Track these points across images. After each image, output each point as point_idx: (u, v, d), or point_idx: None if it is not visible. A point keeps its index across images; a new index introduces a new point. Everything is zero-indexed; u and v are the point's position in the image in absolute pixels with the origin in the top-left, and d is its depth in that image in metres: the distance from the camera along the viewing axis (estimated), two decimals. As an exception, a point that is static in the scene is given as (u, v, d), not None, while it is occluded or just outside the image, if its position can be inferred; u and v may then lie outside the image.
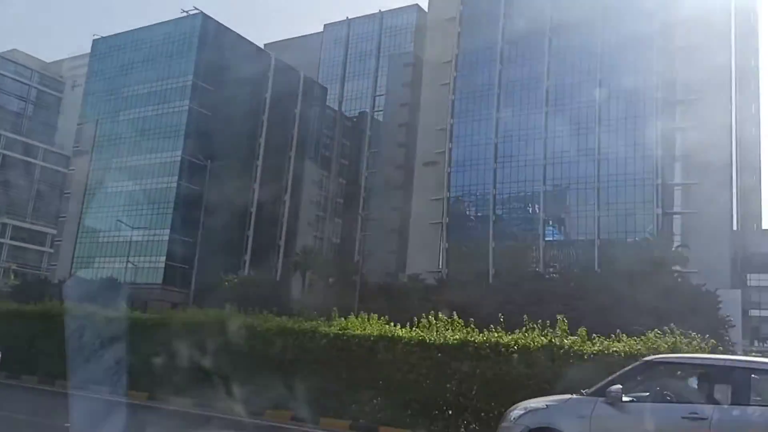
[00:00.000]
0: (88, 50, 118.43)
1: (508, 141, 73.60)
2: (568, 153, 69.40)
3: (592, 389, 7.54)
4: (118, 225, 75.11)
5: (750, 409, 6.83)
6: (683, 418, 6.85)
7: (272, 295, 57.88)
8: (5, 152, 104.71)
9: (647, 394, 7.58)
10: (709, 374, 7.35)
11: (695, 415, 6.80)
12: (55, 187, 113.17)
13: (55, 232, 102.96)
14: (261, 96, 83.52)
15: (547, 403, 7.77)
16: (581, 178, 68.00)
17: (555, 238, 69.27)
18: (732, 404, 6.82)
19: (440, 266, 76.47)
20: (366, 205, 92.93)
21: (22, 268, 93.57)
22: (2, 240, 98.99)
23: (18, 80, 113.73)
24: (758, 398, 7.07)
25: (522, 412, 7.75)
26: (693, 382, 7.82)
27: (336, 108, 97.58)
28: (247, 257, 79.52)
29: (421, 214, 79.89)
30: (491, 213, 73.35)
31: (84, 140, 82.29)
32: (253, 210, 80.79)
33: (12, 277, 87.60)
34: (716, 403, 6.91)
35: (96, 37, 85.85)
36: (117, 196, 76.53)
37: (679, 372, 8.05)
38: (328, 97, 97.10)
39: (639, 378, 7.71)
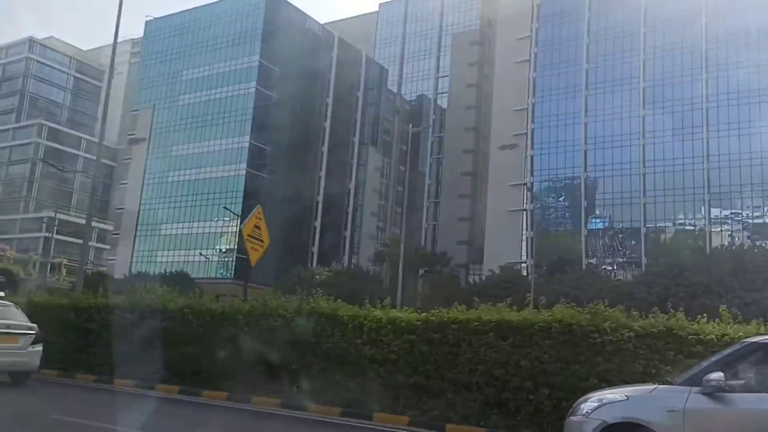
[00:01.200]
0: (127, 37, 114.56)
1: (599, 120, 68.32)
2: (669, 131, 64.13)
3: (683, 377, 6.49)
4: (181, 216, 70.91)
5: None
6: None
7: (374, 289, 53.27)
8: (47, 143, 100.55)
9: (743, 382, 6.22)
10: None
11: None
12: (99, 179, 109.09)
13: (104, 226, 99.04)
14: (325, 77, 78.68)
15: (628, 394, 6.63)
16: (687, 158, 62.68)
17: (659, 226, 63.99)
18: None
19: (523, 257, 71.60)
20: (431, 194, 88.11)
21: (73, 263, 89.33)
22: (47, 234, 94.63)
23: (56, 68, 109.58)
24: None
25: (596, 404, 6.56)
26: None
27: (395, 90, 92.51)
28: (315, 249, 74.91)
29: (499, 201, 74.89)
30: (582, 198, 68.23)
31: (140, 127, 77.68)
32: (320, 199, 76.13)
33: (64, 272, 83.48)
34: None
35: (148, 18, 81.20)
36: (179, 186, 72.14)
37: None
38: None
39: (738, 363, 6.43)
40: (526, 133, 73.56)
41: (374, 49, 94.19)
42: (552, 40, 73.00)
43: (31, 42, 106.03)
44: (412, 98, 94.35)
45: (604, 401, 6.56)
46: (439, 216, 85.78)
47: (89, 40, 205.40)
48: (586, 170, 68.81)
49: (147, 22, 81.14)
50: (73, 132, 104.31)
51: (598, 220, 67.76)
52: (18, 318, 12.15)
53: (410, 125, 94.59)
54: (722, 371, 6.09)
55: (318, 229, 75.32)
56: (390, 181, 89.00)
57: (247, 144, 68.74)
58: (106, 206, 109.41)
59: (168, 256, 71.13)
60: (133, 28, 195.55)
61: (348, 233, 79.65)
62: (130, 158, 77.47)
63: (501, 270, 61.64)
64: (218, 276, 65.99)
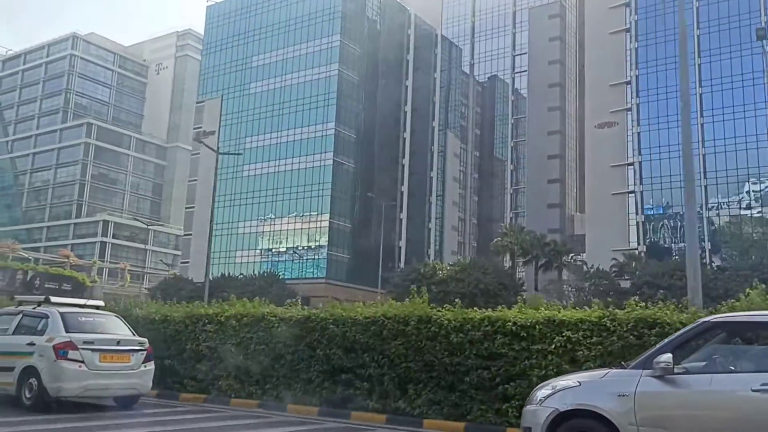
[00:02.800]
0: (170, 31, 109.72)
1: (716, 89, 62.34)
2: (801, 99, 58.07)
3: (636, 361, 6.10)
4: (261, 212, 65.81)
5: None
6: (754, 390, 5.28)
7: (509, 284, 47.74)
8: (97, 143, 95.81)
9: (703, 363, 5.92)
10: None
11: None
12: (148, 179, 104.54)
13: (164, 229, 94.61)
14: (402, 57, 73.12)
15: (580, 380, 6.18)
16: (825, 127, 56.60)
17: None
18: None
19: (632, 242, 65.84)
20: (514, 180, 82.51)
21: (136, 268, 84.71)
22: (104, 239, 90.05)
23: (100, 65, 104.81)
24: None
25: (549, 391, 6.14)
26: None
27: (466, 71, 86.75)
28: (403, 243, 69.48)
29: (599, 184, 69.20)
30: (701, 177, 62.19)
31: (207, 119, 72.46)
32: (405, 189, 70.66)
33: (128, 278, 78.70)
34: None
35: (209, 3, 75.76)
36: (256, 180, 66.96)
37: (747, 334, 6.16)
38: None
39: (694, 344, 6.06)
40: (629, 109, 67.86)
41: (441, 27, 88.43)
42: (654, 6, 66.99)
43: (74, 38, 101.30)
44: (484, 80, 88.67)
45: (557, 388, 6.14)
46: (524, 203, 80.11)
47: (129, 35, 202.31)
48: (703, 146, 62.84)
49: (208, 7, 75.81)
50: (122, 131, 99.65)
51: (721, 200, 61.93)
52: (124, 331, 10.30)
53: (480, 109, 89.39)
54: (675, 352, 5.76)
55: (404, 222, 69.87)
56: (467, 168, 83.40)
57: (332, 131, 63.22)
58: (159, 207, 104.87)
59: (247, 256, 66.05)
60: (178, 21, 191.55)
61: (432, 225, 74.15)
62: (198, 153, 72.28)
63: (627, 258, 55.93)
64: (308, 276, 60.68)
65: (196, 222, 70.55)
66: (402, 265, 68.87)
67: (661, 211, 65.07)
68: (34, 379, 9.26)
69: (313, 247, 62.13)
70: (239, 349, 10.82)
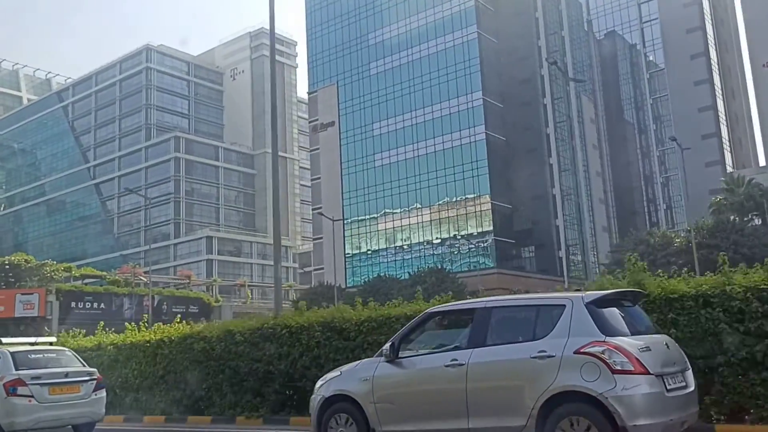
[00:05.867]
0: (242, 32, 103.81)
1: None
2: None
3: (380, 349, 7.12)
4: (403, 203, 58.74)
5: (501, 349, 6.20)
6: (446, 366, 6.37)
7: None
8: (187, 157, 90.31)
9: (421, 347, 6.97)
10: (472, 318, 6.65)
11: (455, 362, 6.32)
12: (239, 189, 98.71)
13: (262, 240, 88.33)
14: (532, 16, 65.36)
15: (342, 370, 7.34)
16: None
17: None
18: (488, 345, 6.27)
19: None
20: (660, 140, 73.99)
21: (254, 284, 78.55)
22: (209, 256, 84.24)
23: (176, 76, 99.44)
24: (514, 336, 6.35)
25: (322, 382, 7.35)
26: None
27: (586, 29, 78.47)
28: (560, 222, 61.62)
29: (777, 128, 60.58)
30: None
31: (322, 111, 65.72)
32: (554, 161, 62.80)
33: (250, 294, 72.43)
34: (476, 346, 6.33)
35: (307, -16, 69.07)
36: (392, 169, 59.85)
37: (453, 319, 7.37)
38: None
39: (421, 330, 7.08)
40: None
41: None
42: None
43: (148, 50, 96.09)
44: (601, 36, 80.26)
45: (327, 378, 7.24)
46: (677, 164, 71.46)
47: (195, 44, 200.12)
48: None
49: (307, -9, 69.23)
50: (211, 142, 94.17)
51: None
52: (74, 364, 10.77)
53: (601, 67, 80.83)
54: (407, 338, 6.78)
55: (558, 198, 62.02)
56: (601, 135, 75.16)
57: (480, 102, 55.79)
58: (253, 219, 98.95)
59: (393, 253, 58.99)
60: (250, 21, 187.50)
61: (582, 199, 66.15)
62: (318, 148, 65.51)
63: None
64: (474, 267, 53.25)
65: (327, 223, 63.85)
66: (563, 246, 61.26)
67: None
68: None
69: (475, 234, 54.72)
70: None
